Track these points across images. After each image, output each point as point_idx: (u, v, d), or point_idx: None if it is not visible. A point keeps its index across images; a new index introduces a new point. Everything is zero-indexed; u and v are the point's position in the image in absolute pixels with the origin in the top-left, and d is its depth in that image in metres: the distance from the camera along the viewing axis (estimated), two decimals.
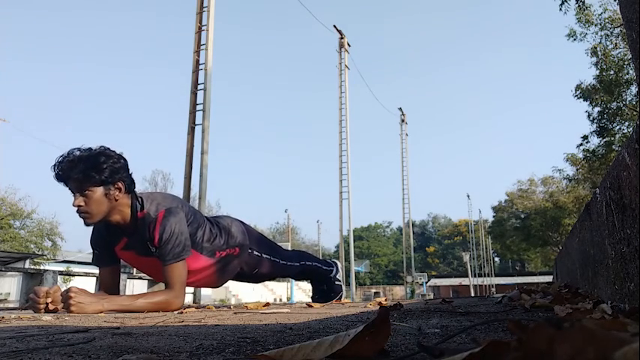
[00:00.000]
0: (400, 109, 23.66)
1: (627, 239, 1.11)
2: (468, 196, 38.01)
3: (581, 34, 15.10)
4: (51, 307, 1.90)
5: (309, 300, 3.21)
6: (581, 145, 16.56)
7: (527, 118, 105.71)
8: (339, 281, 3.20)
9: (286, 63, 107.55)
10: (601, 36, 14.69)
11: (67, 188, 2.01)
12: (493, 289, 35.36)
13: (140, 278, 7.85)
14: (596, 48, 14.68)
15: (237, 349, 0.78)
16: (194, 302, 6.92)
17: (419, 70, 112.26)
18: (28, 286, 6.08)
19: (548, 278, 20.26)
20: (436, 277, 47.94)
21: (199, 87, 7.85)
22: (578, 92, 16.02)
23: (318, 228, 41.17)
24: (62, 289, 1.93)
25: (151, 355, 0.71)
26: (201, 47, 8.01)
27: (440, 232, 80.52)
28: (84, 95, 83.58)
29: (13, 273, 15.80)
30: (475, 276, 35.90)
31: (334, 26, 16.03)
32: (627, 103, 14.59)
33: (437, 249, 76.26)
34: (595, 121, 15.66)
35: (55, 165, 1.98)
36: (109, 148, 2.08)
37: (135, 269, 3.01)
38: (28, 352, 0.74)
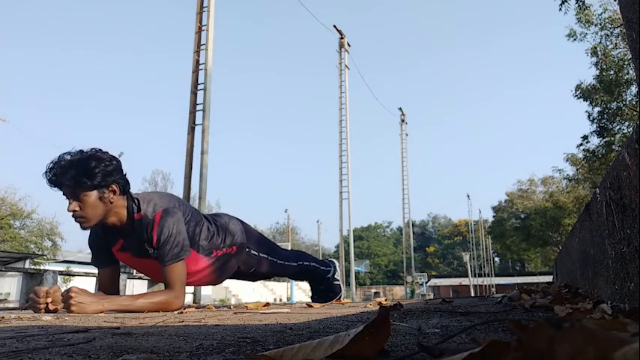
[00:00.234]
0: (400, 109, 23.67)
1: (627, 239, 1.11)
2: (468, 196, 38.02)
3: (581, 34, 15.11)
4: (51, 307, 1.89)
5: (309, 300, 3.21)
6: (581, 145, 16.57)
7: (528, 118, 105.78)
8: (338, 281, 3.19)
9: (286, 63, 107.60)
10: (601, 36, 14.69)
11: (61, 193, 2.00)
12: (493, 289, 35.35)
13: (140, 278, 7.85)
14: (596, 48, 14.68)
15: (237, 349, 0.78)
16: (194, 302, 6.92)
17: (419, 70, 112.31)
18: (28, 286, 6.07)
19: (548, 278, 20.25)
20: (436, 277, 47.94)
21: (199, 87, 7.85)
22: (578, 92, 16.03)
23: (318, 228, 41.14)
24: (62, 289, 1.93)
25: (151, 355, 0.71)
26: (201, 47, 8.01)
27: (440, 232, 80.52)
28: (84, 95, 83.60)
29: (13, 273, 15.80)
30: (475, 276, 35.90)
31: (334, 26, 16.04)
32: (627, 103, 14.59)
33: (437, 249, 76.25)
34: (595, 121, 15.66)
35: (46, 172, 1.96)
36: (100, 150, 2.05)
37: (134, 269, 3.01)
38: (28, 352, 0.74)
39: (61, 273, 7.50)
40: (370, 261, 58.24)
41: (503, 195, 37.16)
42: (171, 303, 2.05)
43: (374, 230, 79.68)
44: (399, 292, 42.89)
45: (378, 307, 1.93)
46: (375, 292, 41.66)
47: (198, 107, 7.76)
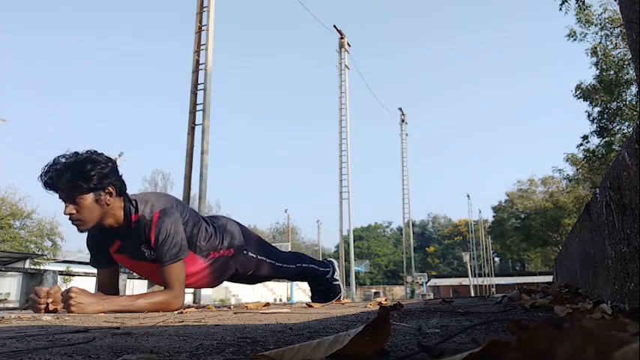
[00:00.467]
0: (400, 109, 23.66)
1: (627, 239, 1.11)
2: (468, 196, 38.01)
3: (581, 34, 15.12)
4: (51, 307, 1.89)
5: (309, 300, 3.20)
6: (581, 145, 16.58)
7: (528, 118, 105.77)
8: (338, 281, 3.19)
9: (286, 63, 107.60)
10: (601, 36, 14.70)
11: (58, 196, 1.99)
12: (493, 289, 35.35)
13: (140, 278, 7.84)
14: (596, 48, 14.68)
15: (237, 349, 0.78)
16: (194, 302, 6.92)
17: (419, 70, 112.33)
18: (28, 286, 6.07)
19: (548, 278, 20.25)
20: (436, 277, 47.92)
21: (199, 87, 7.84)
22: (578, 92, 16.04)
23: (318, 228, 41.14)
24: (62, 289, 1.93)
25: (151, 355, 0.71)
26: (201, 47, 8.00)
27: (440, 232, 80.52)
28: (84, 95, 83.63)
29: (13, 273, 15.81)
30: (475, 276, 35.89)
31: (334, 26, 16.03)
32: (627, 103, 14.60)
33: (437, 249, 76.26)
34: (595, 121, 15.67)
35: (41, 175, 1.95)
36: (95, 152, 2.04)
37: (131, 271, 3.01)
38: (28, 352, 0.74)
39: (61, 273, 7.50)
40: (370, 261, 58.24)
41: (503, 195, 37.23)
42: (171, 303, 2.04)
43: (374, 230, 79.69)
44: (399, 292, 42.90)
45: (378, 307, 1.93)
46: (375, 292, 41.66)
47: (198, 107, 7.76)
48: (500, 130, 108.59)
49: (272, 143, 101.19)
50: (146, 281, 7.46)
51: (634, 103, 14.41)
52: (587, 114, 15.96)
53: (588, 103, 15.81)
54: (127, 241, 2.15)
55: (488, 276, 39.84)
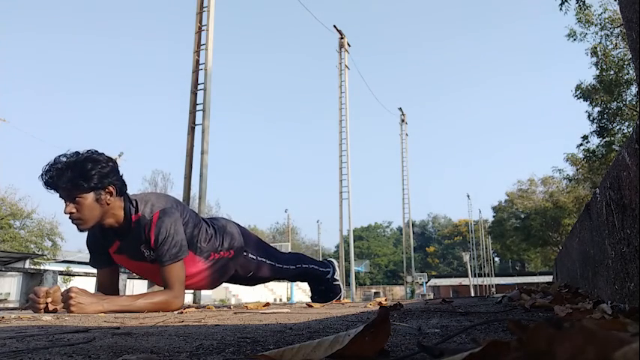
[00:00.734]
0: (400, 109, 23.67)
1: (627, 239, 1.11)
2: (468, 196, 38.01)
3: (581, 34, 15.13)
4: (51, 307, 1.89)
5: (309, 300, 3.20)
6: (581, 145, 16.59)
7: (528, 118, 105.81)
8: (338, 281, 3.19)
9: (286, 63, 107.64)
10: (601, 36, 14.71)
11: (58, 195, 1.99)
12: (493, 289, 35.35)
13: (140, 278, 7.84)
14: (596, 48, 14.69)
15: (237, 349, 0.78)
16: (194, 302, 6.92)
17: (419, 70, 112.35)
18: (28, 286, 6.07)
19: (548, 278, 20.25)
20: (436, 277, 47.92)
21: (199, 87, 7.85)
22: (578, 92, 16.05)
23: (318, 228, 41.14)
24: (62, 289, 1.93)
25: (151, 355, 0.71)
26: (201, 47, 8.01)
27: (440, 232, 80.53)
28: (84, 95, 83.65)
29: (13, 273, 15.81)
30: (475, 276, 35.90)
31: (334, 26, 16.04)
32: (627, 103, 14.60)
33: (437, 249, 76.26)
34: (595, 121, 15.67)
35: (42, 174, 1.95)
36: (96, 152, 2.04)
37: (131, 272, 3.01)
38: (28, 352, 0.74)
39: (61, 273, 7.50)
40: (370, 261, 58.25)
41: (503, 195, 37.26)
42: (171, 303, 2.04)
43: (374, 230, 79.71)
44: (399, 292, 42.90)
45: (378, 307, 1.93)
46: (375, 292, 41.67)
47: (198, 107, 7.76)
48: (501, 130, 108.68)
49: (272, 143, 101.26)
50: (146, 281, 7.47)
51: (634, 103, 14.41)
52: (587, 114, 15.99)
53: (588, 103, 15.82)
54: (126, 241, 2.15)
55: (489, 276, 39.84)
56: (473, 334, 0.96)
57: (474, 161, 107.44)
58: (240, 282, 2.73)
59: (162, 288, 2.11)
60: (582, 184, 23.11)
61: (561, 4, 9.94)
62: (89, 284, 3.24)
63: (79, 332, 1.05)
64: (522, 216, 32.93)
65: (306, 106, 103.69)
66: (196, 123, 7.71)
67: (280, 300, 30.78)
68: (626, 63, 13.86)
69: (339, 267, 3.33)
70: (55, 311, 1.88)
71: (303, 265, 2.97)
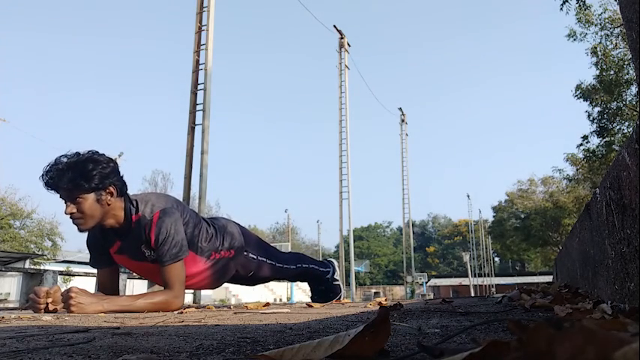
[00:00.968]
0: (400, 109, 23.67)
1: (627, 239, 1.11)
2: (468, 196, 38.02)
3: (581, 34, 15.13)
4: (51, 307, 1.89)
5: (309, 300, 3.20)
6: (581, 145, 16.58)
7: (528, 118, 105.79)
8: (338, 281, 3.18)
9: (286, 63, 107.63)
10: (601, 36, 14.71)
11: (58, 196, 1.99)
12: (493, 289, 35.35)
13: (140, 278, 7.84)
14: (596, 48, 14.69)
15: (237, 349, 0.78)
16: (194, 302, 6.92)
17: (419, 70, 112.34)
18: (28, 286, 6.07)
19: (548, 278, 20.25)
20: (436, 277, 47.93)
21: (199, 87, 7.85)
22: (578, 92, 16.05)
23: (318, 228, 41.14)
24: (62, 289, 1.93)
25: (151, 355, 0.71)
26: (201, 47, 8.01)
27: (440, 232, 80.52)
28: (84, 95, 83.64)
29: (13, 273, 15.81)
30: (475, 276, 35.90)
31: (334, 26, 16.04)
32: (627, 103, 14.60)
33: (437, 249, 76.26)
34: (595, 121, 15.67)
35: (42, 175, 1.95)
36: (97, 152, 2.05)
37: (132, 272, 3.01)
38: (28, 352, 0.74)
39: (61, 273, 7.50)
40: (370, 261, 58.24)
41: (503, 195, 37.25)
42: (171, 303, 2.04)
43: (374, 230, 79.71)
44: (399, 292, 42.89)
45: (378, 307, 1.93)
46: (375, 292, 41.67)
47: (198, 107, 7.76)
48: (501, 130, 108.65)
49: (272, 143, 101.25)
50: (146, 281, 7.47)
51: (634, 103, 14.41)
52: (587, 114, 15.99)
53: (588, 103, 15.81)
54: (127, 241, 2.15)
55: (489, 276, 39.84)
56: (473, 334, 0.96)
57: (474, 161, 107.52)
58: (240, 282, 2.73)
59: (163, 288, 2.11)
60: (582, 184, 23.12)
61: (562, 4, 9.95)
62: (89, 284, 3.24)
63: (79, 332, 1.05)
64: (522, 216, 32.93)
65: (306, 106, 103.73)
66: (196, 123, 7.71)
67: (280, 300, 30.78)
68: (626, 63, 13.86)
69: (339, 267, 3.33)
70: (55, 311, 1.88)
71: (304, 265, 2.97)
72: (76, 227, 2.02)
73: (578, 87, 16.04)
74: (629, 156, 1.01)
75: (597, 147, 15.88)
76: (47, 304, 1.90)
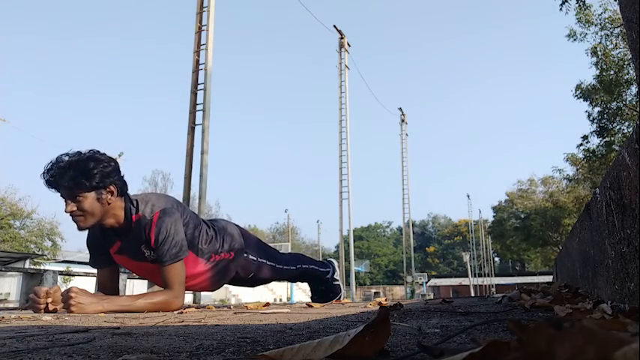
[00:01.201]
0: (400, 109, 23.68)
1: (627, 239, 1.11)
2: (468, 196, 38.05)
3: (581, 34, 15.13)
4: (51, 307, 1.89)
5: (309, 300, 3.20)
6: (581, 145, 16.59)
7: (528, 118, 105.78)
8: (338, 281, 3.18)
9: (286, 63, 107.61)
10: (601, 36, 14.71)
11: (59, 194, 1.99)
12: (493, 289, 35.35)
13: (140, 278, 7.84)
14: (596, 48, 14.68)
15: (237, 349, 0.78)
16: (194, 302, 6.92)
17: (419, 70, 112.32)
18: (28, 286, 6.07)
19: (548, 278, 20.25)
20: (436, 277, 47.93)
21: (199, 87, 7.85)
22: (578, 92, 16.04)
23: (318, 228, 41.15)
24: (62, 289, 1.93)
25: (151, 355, 0.71)
26: (201, 47, 8.01)
27: (440, 232, 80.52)
28: (84, 95, 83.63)
29: (13, 273, 15.80)
30: (475, 276, 35.90)
31: (334, 26, 16.04)
32: (627, 103, 14.60)
33: (437, 249, 76.25)
34: (595, 121, 15.67)
35: (44, 173, 1.95)
36: (98, 152, 2.05)
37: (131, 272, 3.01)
38: (28, 352, 0.74)
39: (61, 273, 7.49)
40: (370, 261, 58.24)
41: (503, 195, 37.25)
42: (171, 303, 2.04)
43: (374, 230, 79.71)
44: (399, 292, 42.89)
45: (378, 307, 1.93)
46: (375, 292, 41.67)
47: (198, 107, 7.76)
48: (501, 130, 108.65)
49: (272, 143, 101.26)
50: (146, 281, 7.47)
51: (634, 103, 14.41)
52: (587, 114, 15.98)
53: (588, 103, 15.81)
54: (127, 241, 2.15)
55: (489, 276, 39.84)
56: (473, 334, 0.96)
57: (474, 161, 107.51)
58: (241, 283, 2.73)
59: (162, 288, 2.11)
60: (582, 184, 23.13)
61: (562, 4, 9.94)
62: (89, 284, 3.24)
63: (79, 332, 1.05)
64: (522, 216, 32.92)
65: (306, 106, 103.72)
66: (196, 123, 7.71)
67: (280, 300, 30.78)
68: (626, 63, 13.86)
69: (339, 267, 3.33)
70: (55, 311, 1.88)
71: (303, 266, 2.97)
72: (75, 226, 2.03)
73: (578, 87, 16.05)
74: (629, 156, 1.01)
75: (597, 147, 15.88)
76: (47, 304, 1.90)
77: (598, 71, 14.89)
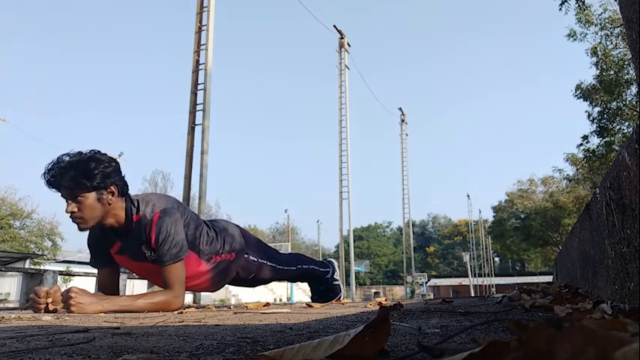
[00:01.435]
0: (400, 109, 23.70)
1: (627, 239, 1.11)
2: (468, 196, 38.07)
3: (581, 34, 15.12)
4: (51, 307, 1.89)
5: (309, 300, 3.20)
6: (581, 145, 16.58)
7: (528, 118, 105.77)
8: (338, 281, 3.18)
9: (286, 63, 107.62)
10: (601, 36, 14.70)
11: (60, 194, 1.99)
12: (493, 289, 35.35)
13: (140, 278, 7.84)
14: (596, 48, 14.68)
15: (237, 349, 0.78)
16: (194, 302, 6.92)
17: (419, 70, 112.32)
18: (28, 286, 6.07)
19: (548, 278, 20.25)
20: (436, 277, 47.92)
21: (199, 87, 7.85)
22: (578, 92, 16.04)
23: (318, 228, 41.13)
24: (62, 289, 1.93)
25: (151, 355, 0.71)
26: (201, 47, 8.02)
27: (440, 232, 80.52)
28: (84, 95, 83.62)
29: (13, 273, 15.81)
30: (475, 276, 35.90)
31: (334, 26, 16.05)
32: (627, 103, 14.60)
33: (437, 249, 76.26)
34: (595, 121, 15.67)
35: (44, 173, 1.95)
36: (99, 152, 2.05)
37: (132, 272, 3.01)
38: (28, 352, 0.74)
39: (61, 273, 7.50)
40: (370, 261, 58.24)
41: (503, 195, 37.25)
42: (171, 303, 2.04)
43: (374, 230, 79.71)
44: (399, 292, 42.89)
45: (378, 307, 1.93)
46: (375, 292, 41.67)
47: (198, 107, 7.77)
48: (501, 129, 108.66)
49: (272, 143, 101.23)
50: (146, 281, 7.47)
51: (634, 103, 14.41)
52: (587, 114, 15.98)
53: (588, 103, 15.81)
54: (127, 241, 2.15)
55: (488, 276, 39.84)
56: (473, 334, 0.96)
57: (474, 161, 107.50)
58: (241, 284, 2.73)
59: (163, 288, 2.11)
60: (582, 184, 23.13)
61: (561, 4, 9.92)
62: (89, 284, 3.24)
63: (79, 332, 1.05)
64: (522, 216, 32.91)
65: (306, 105, 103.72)
66: (196, 123, 7.72)
67: (280, 300, 30.78)
68: (626, 63, 13.85)
69: (339, 267, 3.33)
70: (55, 311, 1.88)
71: (303, 266, 2.97)
72: (76, 226, 2.02)
73: (578, 87, 16.04)
74: (629, 156, 1.01)
75: (597, 147, 15.87)
76: (47, 304, 1.90)
77: (598, 71, 14.88)
